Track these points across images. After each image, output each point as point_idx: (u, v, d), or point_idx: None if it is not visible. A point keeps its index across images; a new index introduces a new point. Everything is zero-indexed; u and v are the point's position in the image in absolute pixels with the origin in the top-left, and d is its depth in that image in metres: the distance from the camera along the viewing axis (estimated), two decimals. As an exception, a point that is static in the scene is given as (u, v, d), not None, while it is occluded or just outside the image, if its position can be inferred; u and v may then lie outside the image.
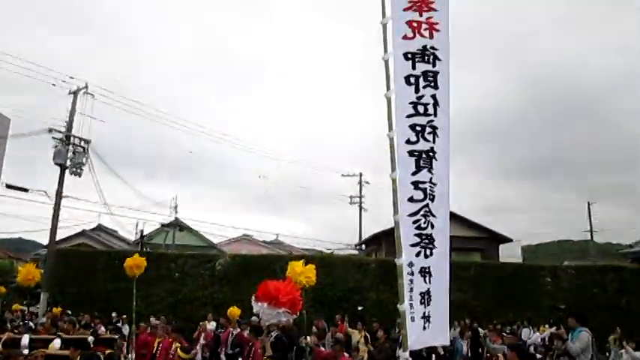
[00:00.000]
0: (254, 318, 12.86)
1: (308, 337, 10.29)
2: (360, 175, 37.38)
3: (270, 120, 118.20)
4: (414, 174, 4.45)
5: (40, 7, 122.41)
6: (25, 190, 23.69)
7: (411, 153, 4.46)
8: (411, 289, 4.39)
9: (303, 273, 8.80)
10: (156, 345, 9.99)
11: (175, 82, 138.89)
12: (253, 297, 6.87)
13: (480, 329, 14.28)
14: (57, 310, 15.79)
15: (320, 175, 63.46)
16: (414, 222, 4.43)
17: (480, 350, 13.07)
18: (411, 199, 4.43)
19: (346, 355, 8.18)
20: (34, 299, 22.07)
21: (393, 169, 4.37)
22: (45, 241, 35.14)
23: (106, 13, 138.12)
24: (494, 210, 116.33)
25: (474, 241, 26.08)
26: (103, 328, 13.12)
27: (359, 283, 19.68)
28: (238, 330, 12.29)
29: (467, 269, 20.06)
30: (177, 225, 31.96)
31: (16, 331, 8.88)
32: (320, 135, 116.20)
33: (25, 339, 6.67)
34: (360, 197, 36.98)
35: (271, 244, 39.06)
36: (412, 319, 4.36)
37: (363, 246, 33.23)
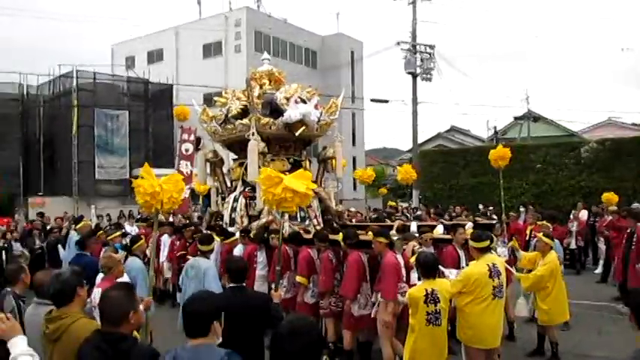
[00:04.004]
0: (636, 205, 11.68)
1: None
2: None
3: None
4: None
5: None
6: (386, 102, 26.46)
7: None
8: None
9: None
10: (528, 232, 10.24)
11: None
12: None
13: None
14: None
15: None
16: None
17: None
18: None
19: None
20: (408, 197, 25.04)
21: None
22: (404, 147, 38.69)
23: None
24: None
25: None
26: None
27: None
28: (610, 218, 11.51)
29: None
30: (531, 116, 30.74)
31: (404, 219, 10.36)
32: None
33: (414, 225, 7.62)
34: None
35: (643, 126, 33.83)
36: None
37: None
